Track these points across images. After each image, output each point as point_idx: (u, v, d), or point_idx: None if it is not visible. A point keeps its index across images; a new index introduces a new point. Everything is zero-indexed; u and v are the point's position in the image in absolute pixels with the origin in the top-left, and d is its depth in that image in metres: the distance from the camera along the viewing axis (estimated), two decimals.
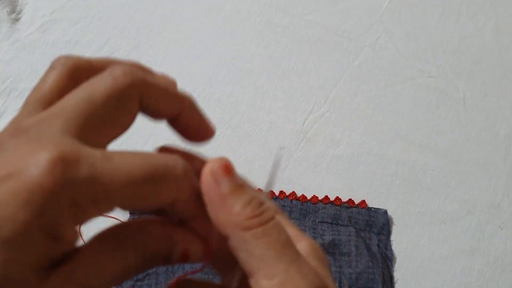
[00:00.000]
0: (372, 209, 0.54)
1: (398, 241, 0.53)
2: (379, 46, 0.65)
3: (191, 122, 0.21)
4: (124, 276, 0.18)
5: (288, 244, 0.18)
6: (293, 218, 0.53)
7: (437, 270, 0.52)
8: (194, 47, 0.64)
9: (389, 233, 0.53)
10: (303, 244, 0.21)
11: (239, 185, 0.19)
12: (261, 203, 0.19)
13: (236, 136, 0.58)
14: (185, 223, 0.20)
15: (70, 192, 0.15)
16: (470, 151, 0.59)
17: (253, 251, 0.18)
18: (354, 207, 0.54)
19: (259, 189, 0.23)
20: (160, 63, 0.62)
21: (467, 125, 0.60)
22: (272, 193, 0.54)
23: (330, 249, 0.51)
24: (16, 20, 0.64)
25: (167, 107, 0.20)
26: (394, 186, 0.56)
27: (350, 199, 0.54)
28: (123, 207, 0.17)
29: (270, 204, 0.20)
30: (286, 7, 0.67)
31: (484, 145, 0.59)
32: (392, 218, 0.54)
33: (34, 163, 0.14)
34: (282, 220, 0.20)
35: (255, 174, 0.56)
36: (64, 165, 0.15)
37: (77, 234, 0.16)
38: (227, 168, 0.19)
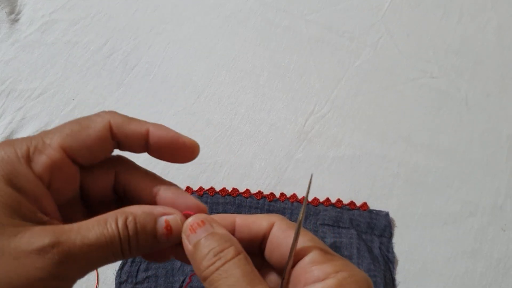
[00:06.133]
0: (374, 211, 0.53)
1: (400, 243, 0.53)
2: (380, 46, 0.64)
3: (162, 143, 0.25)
4: None
5: (246, 277, 0.22)
6: (294, 221, 0.52)
7: (439, 272, 0.52)
8: (194, 48, 0.63)
9: (391, 235, 0.52)
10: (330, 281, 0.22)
11: (197, 242, 0.23)
12: (215, 253, 0.22)
13: (236, 137, 0.57)
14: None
15: None
16: (473, 152, 0.58)
17: None
18: (355, 209, 0.53)
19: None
20: (160, 63, 0.62)
21: (469, 125, 0.60)
22: (273, 195, 0.53)
23: None
24: (16, 20, 0.64)
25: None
26: (396, 187, 0.55)
27: (352, 201, 0.53)
28: None
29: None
30: (287, 7, 0.66)
31: (486, 146, 0.59)
32: (394, 220, 0.54)
33: None
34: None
35: (256, 175, 0.55)
36: None
37: None
38: (191, 227, 0.23)
